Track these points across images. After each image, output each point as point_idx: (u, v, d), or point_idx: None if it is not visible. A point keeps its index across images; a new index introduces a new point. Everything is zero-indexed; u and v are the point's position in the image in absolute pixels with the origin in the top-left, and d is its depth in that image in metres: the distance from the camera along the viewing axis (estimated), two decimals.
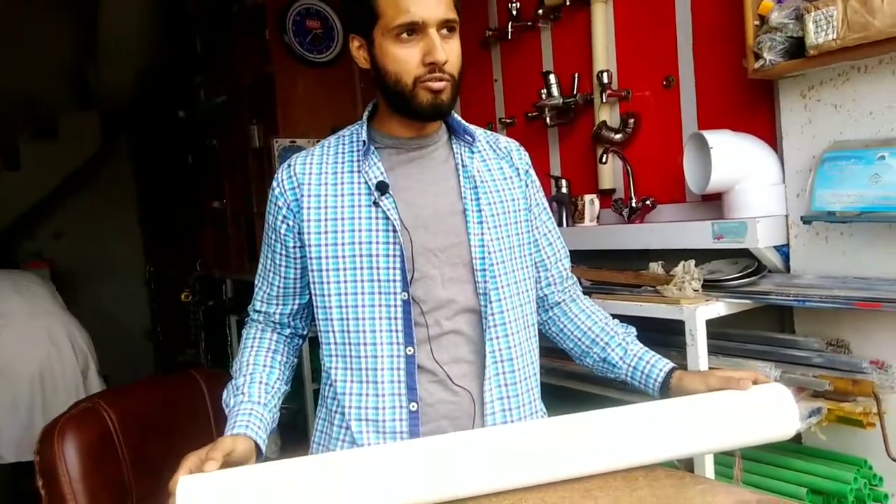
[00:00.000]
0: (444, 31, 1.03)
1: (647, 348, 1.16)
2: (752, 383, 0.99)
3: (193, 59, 3.96)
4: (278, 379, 1.12)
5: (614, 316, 1.23)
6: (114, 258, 5.06)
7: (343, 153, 1.13)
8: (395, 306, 1.07)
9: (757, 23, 1.42)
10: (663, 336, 1.52)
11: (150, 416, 1.48)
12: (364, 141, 1.11)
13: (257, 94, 3.22)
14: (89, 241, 4.88)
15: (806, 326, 1.47)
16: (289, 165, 1.15)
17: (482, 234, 1.10)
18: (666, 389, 1.10)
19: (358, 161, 1.11)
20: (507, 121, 2.34)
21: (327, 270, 1.09)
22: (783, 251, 1.51)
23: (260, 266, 1.20)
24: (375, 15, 1.03)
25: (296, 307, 1.17)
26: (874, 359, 1.34)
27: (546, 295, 1.25)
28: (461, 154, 1.14)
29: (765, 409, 0.98)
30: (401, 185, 1.10)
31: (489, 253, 1.10)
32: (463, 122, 1.17)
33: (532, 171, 1.24)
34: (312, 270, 1.10)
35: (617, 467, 0.97)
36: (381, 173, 1.09)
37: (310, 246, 1.10)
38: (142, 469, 1.42)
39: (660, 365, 1.12)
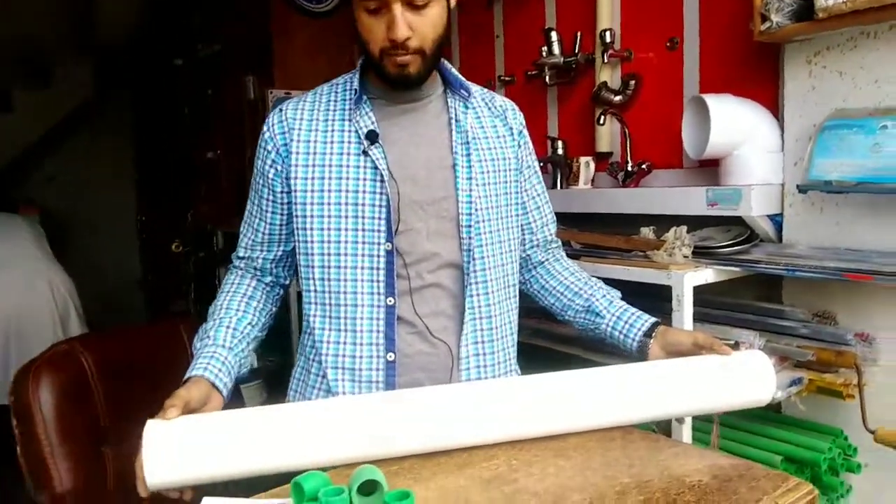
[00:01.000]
0: (416, 2, 0.98)
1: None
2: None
3: (191, 5, 3.85)
4: (250, 324, 1.10)
5: (602, 280, 1.22)
6: (107, 207, 5.01)
7: (335, 101, 1.12)
8: (378, 256, 1.06)
9: None
10: (650, 301, 1.50)
11: (128, 362, 1.47)
12: (356, 90, 1.09)
13: (253, 43, 3.15)
14: (83, 189, 4.82)
15: (794, 297, 1.46)
16: (280, 110, 1.13)
17: (471, 189, 1.10)
18: (647, 341, 1.09)
19: (349, 110, 1.10)
20: (507, 79, 2.29)
21: (311, 217, 1.07)
22: (777, 220, 1.49)
23: (246, 212, 1.18)
24: None
25: (279, 254, 1.15)
26: (859, 331, 1.33)
27: (529, 255, 1.24)
28: (455, 108, 1.13)
29: (743, 374, 0.97)
30: (392, 136, 1.09)
31: (476, 209, 1.09)
32: (459, 76, 1.15)
33: (526, 133, 1.22)
34: (297, 216, 1.09)
35: (591, 427, 0.97)
36: (372, 122, 1.08)
37: (295, 191, 1.08)
38: (119, 414, 1.41)
39: (645, 317, 1.12)
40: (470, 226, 1.08)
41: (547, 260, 1.25)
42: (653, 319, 1.11)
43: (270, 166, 1.11)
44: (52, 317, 2.70)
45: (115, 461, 1.40)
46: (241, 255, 1.17)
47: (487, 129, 1.15)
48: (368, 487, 0.79)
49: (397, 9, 0.98)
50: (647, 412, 0.96)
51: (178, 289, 4.15)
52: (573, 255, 1.65)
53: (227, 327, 1.07)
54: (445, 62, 1.14)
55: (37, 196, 4.48)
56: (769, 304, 1.45)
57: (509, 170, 1.15)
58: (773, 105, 1.52)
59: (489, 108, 1.18)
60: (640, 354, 1.10)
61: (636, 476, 0.83)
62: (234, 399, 1.40)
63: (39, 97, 4.41)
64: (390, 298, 1.06)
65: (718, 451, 1.27)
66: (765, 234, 1.49)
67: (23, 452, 1.31)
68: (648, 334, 1.09)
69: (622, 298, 1.18)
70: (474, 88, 1.18)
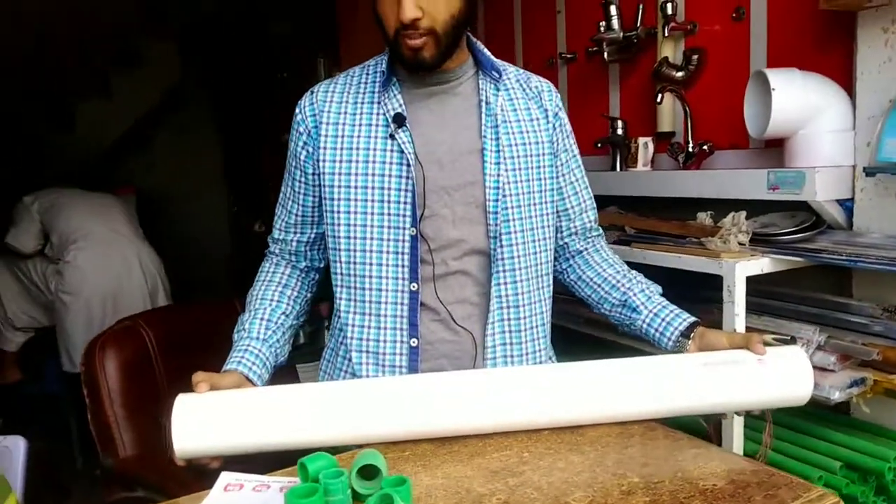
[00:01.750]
0: None
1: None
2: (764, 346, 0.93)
3: None
4: (284, 314, 1.13)
5: (652, 267, 1.18)
6: (199, 187, 5.27)
7: (366, 83, 1.12)
8: (403, 241, 1.06)
9: None
10: (705, 291, 1.43)
11: (186, 339, 1.55)
12: (384, 72, 1.09)
13: (323, 24, 3.21)
14: (176, 169, 5.08)
15: (865, 290, 1.34)
16: (312, 92, 1.14)
17: (498, 175, 1.07)
18: (685, 342, 1.04)
19: (378, 92, 1.09)
20: (568, 56, 2.22)
21: (338, 200, 1.08)
22: (847, 206, 1.37)
23: (280, 194, 1.20)
24: None
25: (313, 236, 1.17)
26: None
27: (567, 243, 1.20)
28: (486, 91, 1.10)
29: (777, 370, 0.91)
30: (419, 119, 1.08)
31: (504, 195, 1.07)
32: (491, 57, 1.12)
33: (562, 115, 1.17)
34: (325, 199, 1.10)
35: (609, 418, 0.94)
36: (400, 105, 1.07)
37: (323, 174, 1.09)
38: (178, 387, 1.48)
39: (683, 316, 1.07)
40: (497, 212, 1.06)
41: (586, 249, 1.21)
42: (692, 319, 1.06)
43: (302, 148, 1.12)
44: (143, 294, 2.87)
45: None
46: (275, 236, 1.20)
47: (520, 112, 1.12)
48: (369, 471, 0.80)
49: None
50: (667, 405, 0.93)
51: (258, 267, 4.33)
52: (625, 241, 1.60)
53: (262, 319, 1.10)
54: (478, 43, 1.11)
55: (134, 176, 4.79)
56: (833, 296, 1.34)
57: (543, 154, 1.12)
58: (847, 80, 1.39)
59: (524, 90, 1.14)
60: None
61: (647, 476, 0.80)
62: (291, 379, 1.43)
63: (134, 80, 4.67)
64: (414, 284, 1.06)
65: (770, 454, 1.19)
66: (833, 220, 1.38)
67: (92, 419, 1.42)
68: (686, 335, 1.04)
69: (675, 288, 1.13)
70: (510, 69, 1.15)
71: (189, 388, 0.94)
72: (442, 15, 0.98)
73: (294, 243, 1.18)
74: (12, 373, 2.92)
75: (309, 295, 1.21)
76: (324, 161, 1.09)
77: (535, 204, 1.10)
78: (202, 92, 5.10)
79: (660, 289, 1.14)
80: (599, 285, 1.17)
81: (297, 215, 1.16)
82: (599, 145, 1.97)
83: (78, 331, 2.70)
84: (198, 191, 5.23)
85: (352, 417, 0.91)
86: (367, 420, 0.91)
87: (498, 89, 1.11)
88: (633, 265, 1.19)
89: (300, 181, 1.14)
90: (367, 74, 1.13)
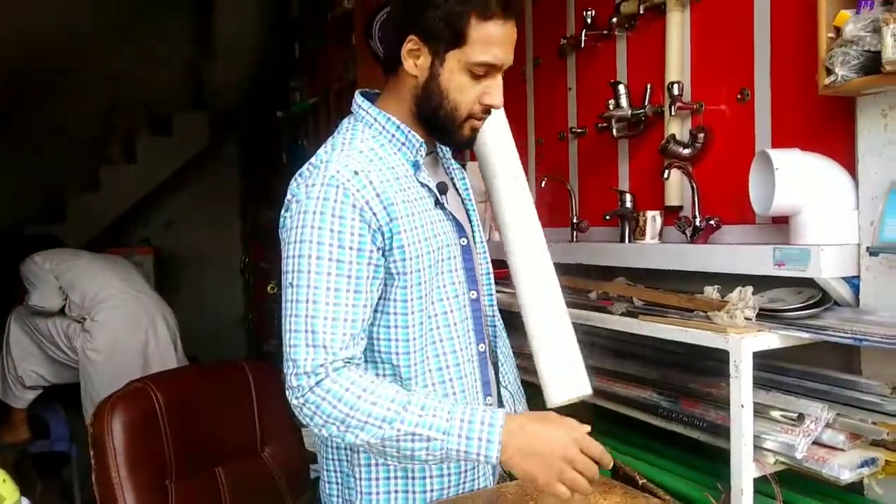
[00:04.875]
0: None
1: None
2: None
3: (292, 62, 4.15)
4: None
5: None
6: (214, 249, 5.36)
7: (385, 157, 1.07)
8: (465, 306, 1.11)
9: (832, 35, 1.30)
10: (719, 364, 1.42)
11: (195, 401, 1.56)
12: (423, 145, 1.09)
13: (342, 97, 3.33)
14: (194, 231, 5.19)
15: (874, 368, 1.33)
16: (369, 184, 1.01)
17: (482, 232, 1.25)
18: None
19: (414, 165, 1.11)
20: (579, 130, 2.29)
21: (413, 286, 1.04)
22: (854, 283, 1.38)
23: (333, 305, 0.97)
24: (462, 41, 1.00)
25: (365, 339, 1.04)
26: None
27: None
28: (449, 160, 1.26)
29: None
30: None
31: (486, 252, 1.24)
32: None
33: None
34: (396, 287, 1.03)
35: None
36: (428, 176, 1.13)
37: (405, 260, 1.03)
38: (183, 450, 1.50)
39: None
40: (488, 264, 1.23)
41: None
42: None
43: (371, 242, 1.00)
44: (168, 347, 2.86)
45: (176, 495, 1.48)
46: (340, 355, 0.97)
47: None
48: None
49: (500, 76, 1.03)
50: None
51: (270, 328, 4.36)
52: (633, 313, 1.60)
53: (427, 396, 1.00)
54: None
55: (153, 237, 4.89)
56: (842, 374, 1.33)
57: None
58: (850, 161, 1.43)
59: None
60: None
61: None
62: None
63: (160, 146, 4.83)
64: (482, 345, 1.13)
65: None
66: (840, 297, 1.38)
67: (95, 480, 1.41)
68: None
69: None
70: None
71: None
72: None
73: (358, 356, 1.02)
74: (21, 432, 2.91)
75: None
76: (406, 246, 1.02)
77: None
78: (225, 157, 5.27)
79: None
80: None
81: (362, 320, 1.00)
82: (608, 217, 2.01)
83: (106, 388, 2.68)
84: (213, 252, 5.32)
85: None
86: None
87: (460, 165, 1.30)
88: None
89: (370, 277, 1.00)
90: (388, 145, 1.08)
